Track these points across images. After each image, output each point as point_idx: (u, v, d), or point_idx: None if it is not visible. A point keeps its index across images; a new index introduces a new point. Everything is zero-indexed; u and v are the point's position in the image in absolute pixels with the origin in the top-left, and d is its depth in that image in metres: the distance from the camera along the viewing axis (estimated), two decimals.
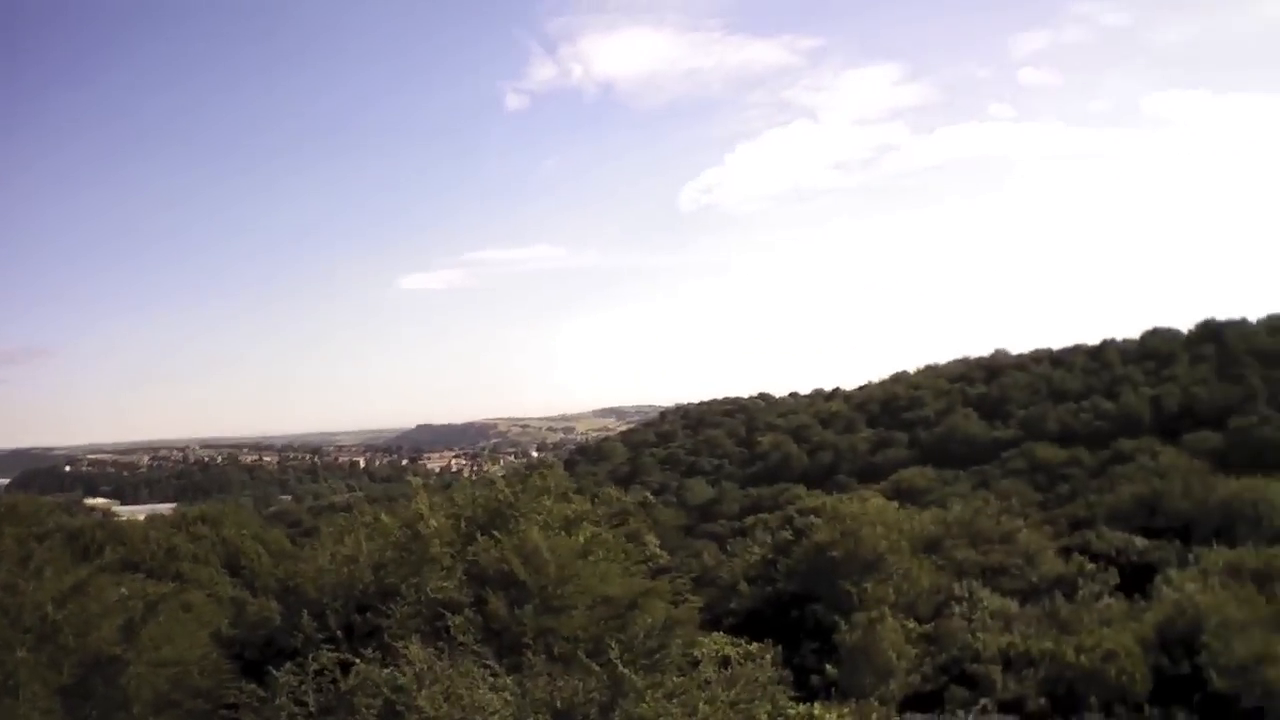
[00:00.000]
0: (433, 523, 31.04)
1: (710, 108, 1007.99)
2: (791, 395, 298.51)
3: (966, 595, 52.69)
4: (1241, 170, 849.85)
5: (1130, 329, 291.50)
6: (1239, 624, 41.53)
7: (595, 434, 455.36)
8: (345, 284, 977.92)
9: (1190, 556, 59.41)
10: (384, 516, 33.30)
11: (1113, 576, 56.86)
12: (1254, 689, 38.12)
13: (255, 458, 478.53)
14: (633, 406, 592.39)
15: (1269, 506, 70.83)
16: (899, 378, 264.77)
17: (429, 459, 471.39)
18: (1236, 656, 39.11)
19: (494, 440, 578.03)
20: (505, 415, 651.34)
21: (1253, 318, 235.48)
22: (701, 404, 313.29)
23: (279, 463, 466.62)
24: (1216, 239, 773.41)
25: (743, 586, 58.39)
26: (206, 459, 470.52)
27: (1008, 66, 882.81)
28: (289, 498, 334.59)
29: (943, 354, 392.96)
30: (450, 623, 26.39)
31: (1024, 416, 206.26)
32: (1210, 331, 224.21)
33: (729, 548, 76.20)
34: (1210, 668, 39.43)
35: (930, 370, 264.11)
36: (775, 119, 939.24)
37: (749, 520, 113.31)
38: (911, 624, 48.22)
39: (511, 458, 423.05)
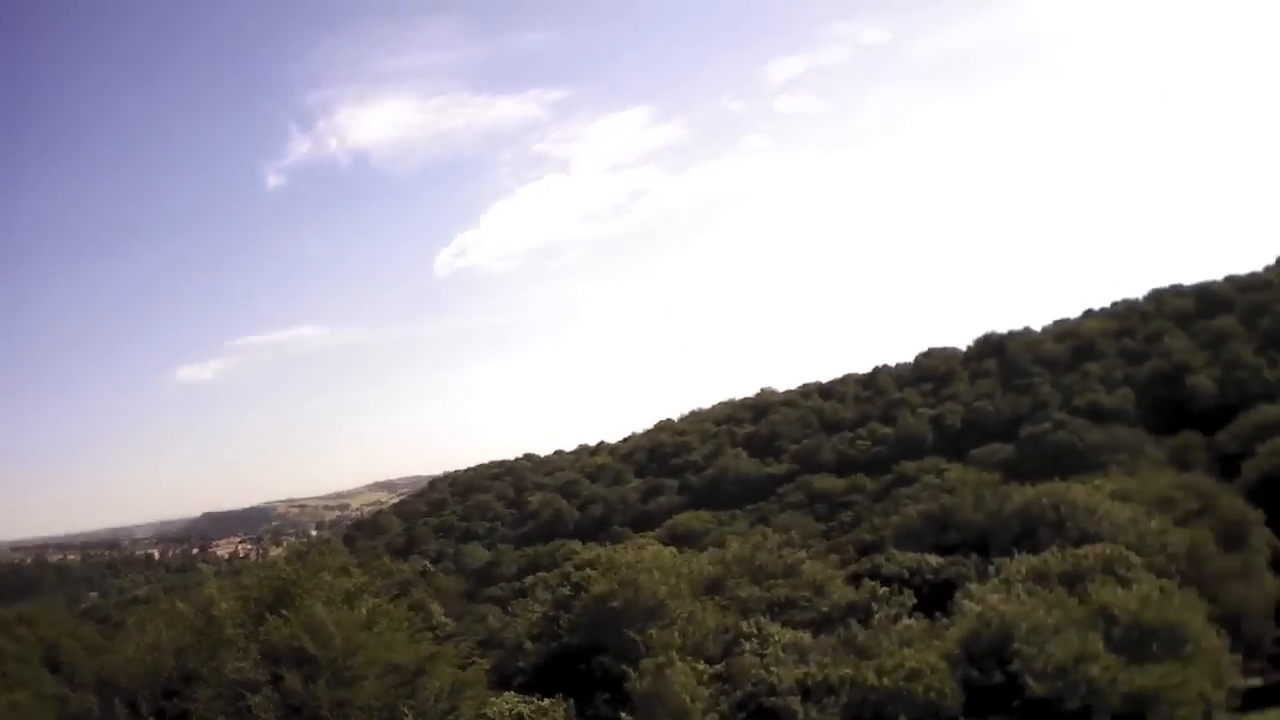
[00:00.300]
0: (223, 605, 32.51)
1: (463, 169, 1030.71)
2: (557, 453, 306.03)
3: (755, 631, 52.64)
4: (1015, 174, 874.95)
5: (905, 352, 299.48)
6: (1052, 628, 41.65)
7: (369, 508, 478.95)
8: (125, 380, 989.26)
9: (990, 568, 59.79)
10: (179, 604, 34.66)
11: (909, 598, 57.38)
12: (1076, 689, 38.13)
13: (61, 557, 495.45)
14: (402, 478, 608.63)
15: (1071, 508, 71.41)
16: (663, 425, 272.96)
17: (218, 546, 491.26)
18: (1054, 660, 39.06)
19: (275, 523, 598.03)
20: (284, 497, 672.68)
21: (1037, 326, 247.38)
22: (469, 470, 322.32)
23: (82, 560, 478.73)
24: (993, 249, 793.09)
25: (528, 645, 59.29)
26: (17, 561, 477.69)
27: (765, 95, 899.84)
28: (95, 594, 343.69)
29: (707, 397, 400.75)
30: (251, 702, 27.88)
31: (797, 450, 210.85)
32: (991, 345, 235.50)
33: (511, 608, 77.67)
34: (1026, 674, 39.33)
35: (695, 415, 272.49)
36: (527, 175, 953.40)
37: (529, 580, 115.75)
38: (702, 665, 48.14)
39: (293, 538, 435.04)
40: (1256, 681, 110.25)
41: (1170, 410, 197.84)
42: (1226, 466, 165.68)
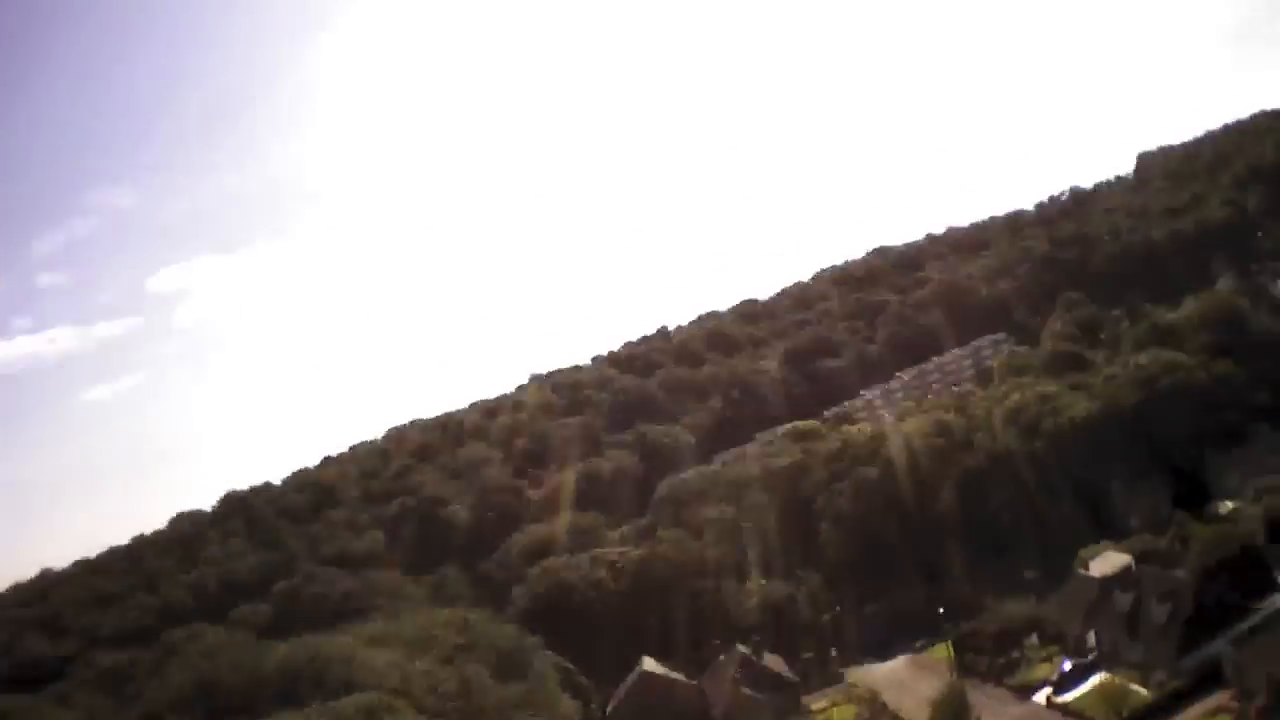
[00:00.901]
0: None
1: None
2: None
3: None
4: (260, 325, 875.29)
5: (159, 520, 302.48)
6: None
7: None
8: None
9: None
10: None
11: None
12: None
13: None
14: None
15: (326, 661, 76.16)
16: None
17: None
18: None
19: None
20: None
21: (277, 479, 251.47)
22: None
23: None
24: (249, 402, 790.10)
25: None
26: None
27: (28, 272, 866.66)
28: None
29: None
30: None
31: (82, 628, 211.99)
32: (235, 503, 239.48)
33: None
34: None
35: None
36: None
37: None
38: None
39: None
40: None
41: (431, 546, 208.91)
42: (499, 595, 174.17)
